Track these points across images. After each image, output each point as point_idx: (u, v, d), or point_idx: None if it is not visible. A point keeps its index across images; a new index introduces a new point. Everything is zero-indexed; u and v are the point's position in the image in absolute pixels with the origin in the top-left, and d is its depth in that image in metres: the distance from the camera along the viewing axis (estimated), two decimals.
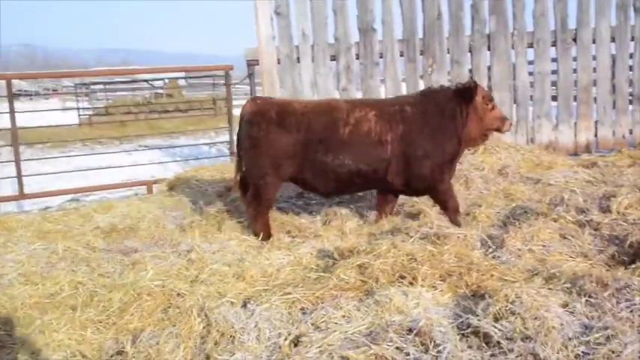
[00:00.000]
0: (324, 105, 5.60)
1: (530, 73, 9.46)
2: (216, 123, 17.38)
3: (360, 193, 6.66)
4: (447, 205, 5.64)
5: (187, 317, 3.79)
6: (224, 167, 8.70)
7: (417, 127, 5.48)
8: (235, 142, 5.74)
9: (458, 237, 4.75)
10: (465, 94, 5.54)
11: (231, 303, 3.99)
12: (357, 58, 9.18)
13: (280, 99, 6.10)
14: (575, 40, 9.37)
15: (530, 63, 9.44)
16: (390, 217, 5.80)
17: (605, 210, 5.47)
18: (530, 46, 9.34)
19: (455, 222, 5.49)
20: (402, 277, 4.15)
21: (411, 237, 4.73)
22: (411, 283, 4.08)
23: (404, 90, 9.20)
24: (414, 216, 5.87)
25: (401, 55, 9.26)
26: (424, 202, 6.12)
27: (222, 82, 12.67)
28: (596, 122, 9.63)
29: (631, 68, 9.41)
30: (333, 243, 5.29)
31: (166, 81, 26.15)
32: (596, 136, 9.62)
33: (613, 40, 9.41)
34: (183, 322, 3.75)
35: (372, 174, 5.52)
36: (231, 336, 3.57)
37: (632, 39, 9.40)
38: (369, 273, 4.22)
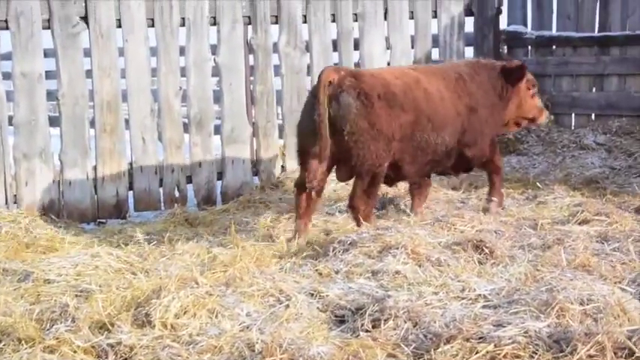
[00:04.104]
0: (407, 75, 5.54)
1: None
2: None
3: None
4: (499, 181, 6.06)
5: None
6: None
7: (478, 99, 5.76)
8: (320, 121, 5.06)
9: None
10: (514, 73, 5.86)
11: None
12: None
13: (360, 70, 6.28)
14: None
15: None
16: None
17: None
18: None
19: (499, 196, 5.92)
20: None
21: None
22: None
23: None
24: None
25: None
26: None
27: None
28: None
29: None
30: None
31: None
32: None
33: None
34: None
35: (452, 150, 5.69)
36: None
37: None
38: None
